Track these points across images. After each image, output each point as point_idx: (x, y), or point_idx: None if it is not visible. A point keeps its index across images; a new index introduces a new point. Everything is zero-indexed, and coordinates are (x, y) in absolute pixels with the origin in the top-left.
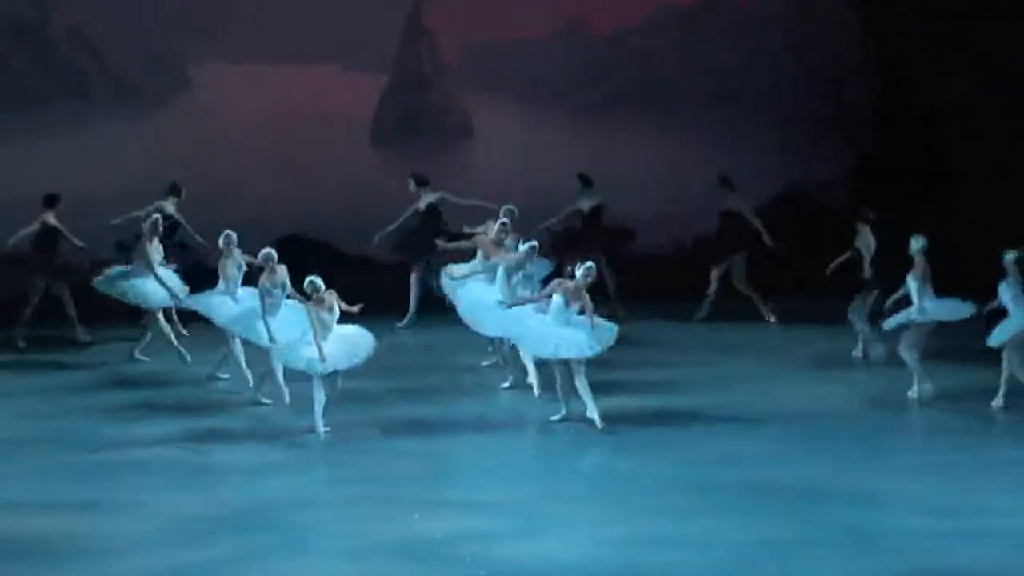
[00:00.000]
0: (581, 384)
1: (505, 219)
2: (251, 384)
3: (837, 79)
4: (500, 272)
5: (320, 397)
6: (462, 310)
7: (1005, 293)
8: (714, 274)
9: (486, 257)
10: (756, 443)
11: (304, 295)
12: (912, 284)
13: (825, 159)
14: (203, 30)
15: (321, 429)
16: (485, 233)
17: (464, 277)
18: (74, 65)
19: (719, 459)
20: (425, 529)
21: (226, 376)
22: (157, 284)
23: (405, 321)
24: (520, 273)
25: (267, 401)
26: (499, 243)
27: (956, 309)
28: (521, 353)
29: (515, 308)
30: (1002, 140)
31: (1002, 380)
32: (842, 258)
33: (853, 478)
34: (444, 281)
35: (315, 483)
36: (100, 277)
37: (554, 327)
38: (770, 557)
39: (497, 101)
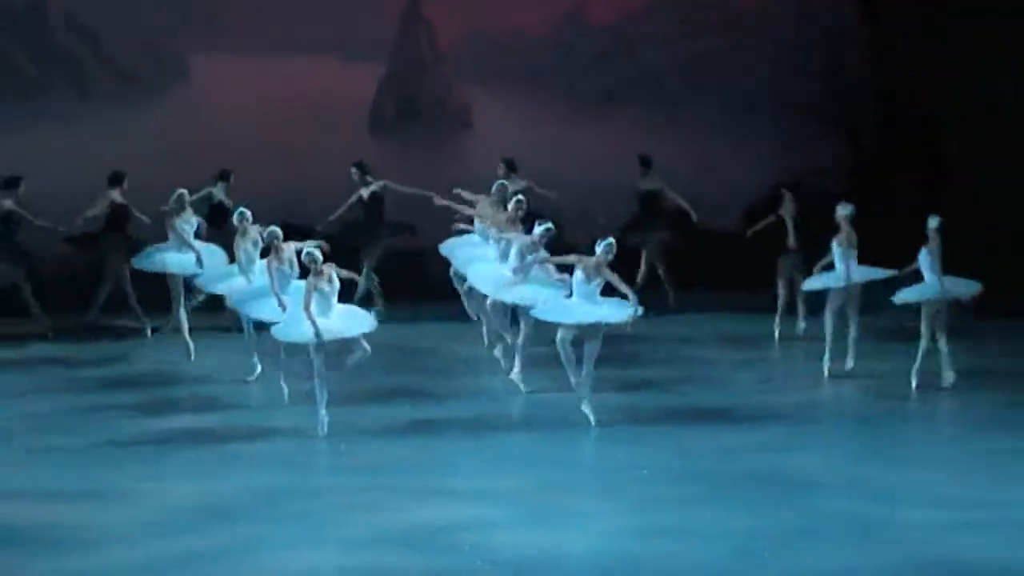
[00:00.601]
0: (587, 371)
1: (521, 196)
2: (256, 372)
3: (836, 75)
4: (514, 251)
5: (322, 384)
6: (474, 279)
7: (924, 259)
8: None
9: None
10: (753, 434)
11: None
12: (836, 250)
13: (823, 155)
14: (201, 20)
15: (324, 420)
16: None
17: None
18: (71, 54)
19: (716, 450)
20: (423, 518)
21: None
22: (186, 253)
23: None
24: (534, 255)
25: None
26: (514, 220)
27: (875, 274)
28: (518, 344)
29: (534, 283)
30: (1002, 139)
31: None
32: (764, 223)
33: (851, 469)
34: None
35: (312, 473)
36: (137, 256)
37: (577, 301)
38: (768, 548)
39: (495, 91)
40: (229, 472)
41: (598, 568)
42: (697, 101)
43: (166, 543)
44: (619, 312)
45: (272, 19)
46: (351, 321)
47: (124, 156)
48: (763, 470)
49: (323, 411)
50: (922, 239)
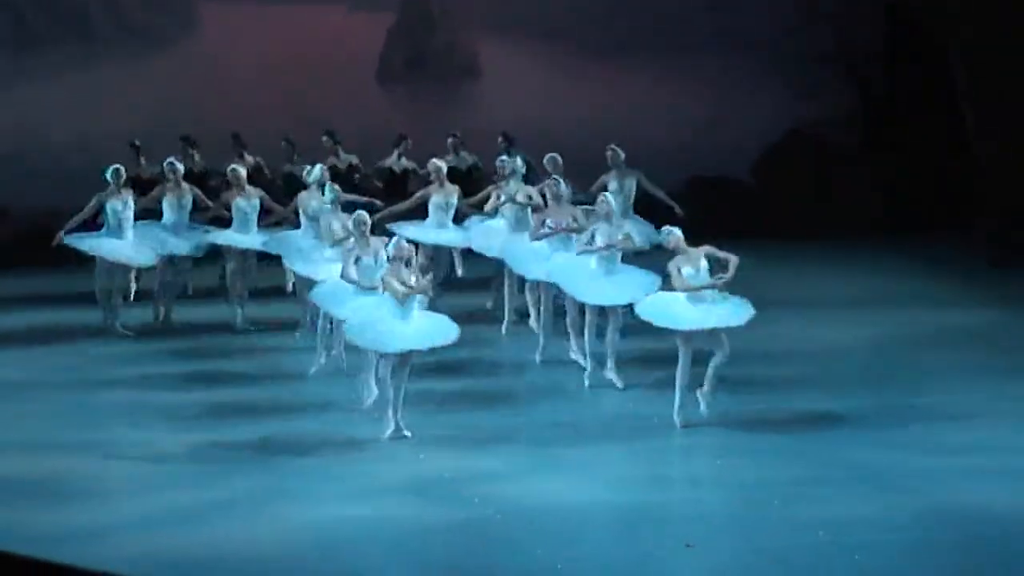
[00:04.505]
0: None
1: (556, 177)
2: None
3: (846, 17)
4: (600, 240)
5: (384, 388)
6: (554, 275)
7: None
8: None
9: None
10: (764, 384)
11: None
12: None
13: (833, 99)
14: None
15: (391, 425)
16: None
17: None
18: (77, 4)
19: (727, 400)
20: (432, 469)
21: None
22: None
23: None
24: (620, 233)
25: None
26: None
27: None
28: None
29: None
30: (1014, 79)
31: None
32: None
33: (862, 418)
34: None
35: (322, 425)
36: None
37: (686, 302)
38: (778, 497)
39: (505, 40)
40: (240, 425)
41: (608, 518)
42: (705, 45)
43: (173, 495)
44: (736, 314)
45: None
46: (427, 330)
47: (130, 109)
48: (773, 419)
49: (389, 413)
50: (937, 185)
